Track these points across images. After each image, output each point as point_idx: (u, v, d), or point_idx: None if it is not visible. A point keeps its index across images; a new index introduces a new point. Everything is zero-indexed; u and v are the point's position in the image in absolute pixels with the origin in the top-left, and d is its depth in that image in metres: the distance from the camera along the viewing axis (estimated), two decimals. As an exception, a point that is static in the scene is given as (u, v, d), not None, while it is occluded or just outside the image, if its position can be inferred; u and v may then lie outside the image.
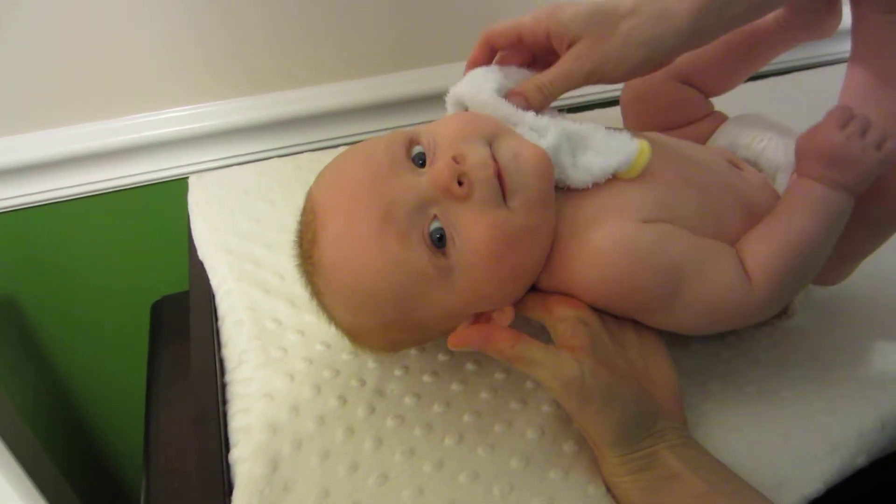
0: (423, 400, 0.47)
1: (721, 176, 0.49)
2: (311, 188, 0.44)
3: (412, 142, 0.42)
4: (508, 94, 0.46)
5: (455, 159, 0.39)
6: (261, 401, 0.46)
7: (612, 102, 0.79)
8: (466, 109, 0.47)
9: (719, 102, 0.60)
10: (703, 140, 0.57)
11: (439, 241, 0.39)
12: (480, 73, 0.47)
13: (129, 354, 0.88)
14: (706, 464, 0.40)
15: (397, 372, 0.49)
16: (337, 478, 0.42)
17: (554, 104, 0.47)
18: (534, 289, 0.44)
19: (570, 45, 0.45)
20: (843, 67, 0.51)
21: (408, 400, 0.47)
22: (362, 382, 0.48)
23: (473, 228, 0.39)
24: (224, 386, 0.51)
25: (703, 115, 0.59)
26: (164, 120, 0.79)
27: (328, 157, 0.76)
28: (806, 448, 0.44)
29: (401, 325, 0.42)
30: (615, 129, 0.45)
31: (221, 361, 0.54)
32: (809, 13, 0.53)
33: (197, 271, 0.63)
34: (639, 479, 0.40)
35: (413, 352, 0.50)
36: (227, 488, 0.43)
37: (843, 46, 0.50)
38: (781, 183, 0.51)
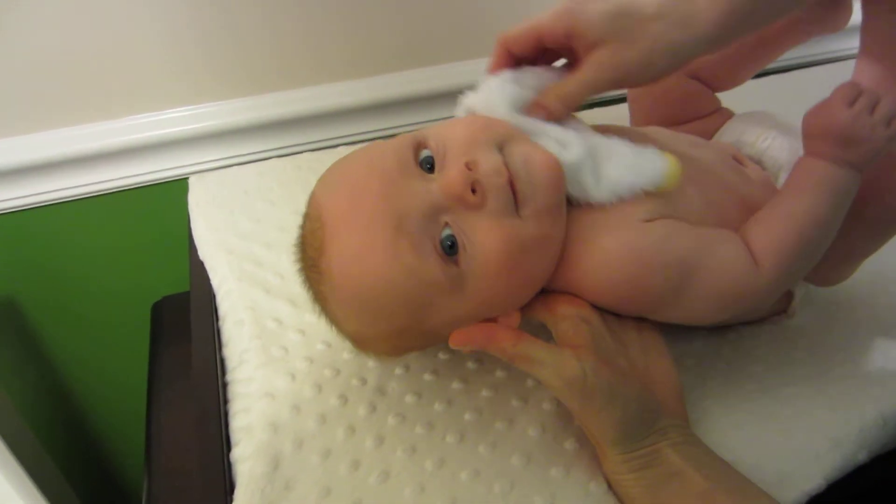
0: (424, 398, 0.47)
1: (723, 173, 0.49)
2: (315, 193, 0.43)
3: (420, 145, 0.42)
4: (528, 107, 0.44)
5: (468, 166, 0.38)
6: (262, 400, 0.46)
7: (611, 101, 0.78)
8: None
9: (725, 99, 0.60)
10: (709, 136, 0.57)
11: (450, 248, 0.39)
12: (495, 85, 0.44)
13: (129, 354, 0.88)
14: (708, 461, 0.40)
15: (398, 371, 0.49)
16: (338, 476, 0.42)
17: None
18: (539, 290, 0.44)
19: (591, 48, 0.42)
20: (848, 65, 0.51)
21: (409, 398, 0.47)
22: (363, 381, 0.48)
23: (486, 238, 0.38)
24: (225, 385, 0.51)
25: (710, 111, 0.58)
26: (164, 120, 0.79)
27: (328, 156, 0.77)
28: (807, 444, 0.44)
29: (409, 333, 0.42)
30: (641, 144, 0.43)
31: (222, 361, 0.54)
32: (821, 7, 0.52)
33: (197, 271, 0.63)
34: (641, 477, 0.40)
35: (414, 351, 0.50)
36: (229, 487, 0.43)
37: (849, 43, 0.51)
38: (784, 181, 0.51)
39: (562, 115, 0.44)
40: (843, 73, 0.53)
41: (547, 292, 0.44)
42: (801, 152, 0.52)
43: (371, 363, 0.49)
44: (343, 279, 0.40)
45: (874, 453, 0.45)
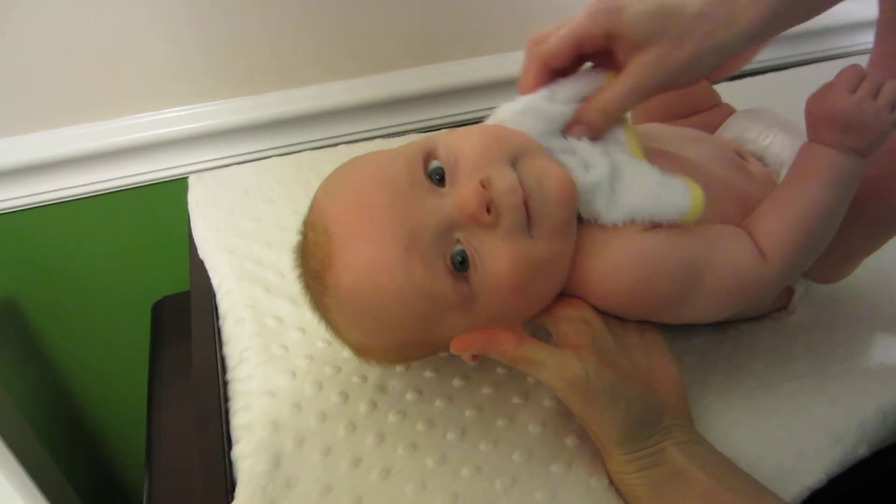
0: (425, 395, 0.47)
1: (724, 169, 0.49)
2: (318, 201, 0.42)
3: (429, 155, 0.40)
4: (568, 128, 0.42)
5: (482, 184, 0.37)
6: (262, 398, 0.46)
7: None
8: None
9: (727, 96, 0.60)
10: (710, 131, 0.57)
11: (461, 263, 0.38)
12: (531, 112, 0.42)
13: (130, 354, 0.88)
14: (712, 460, 0.40)
15: (398, 368, 0.49)
16: (339, 473, 0.42)
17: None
18: None
19: (633, 50, 0.40)
20: (848, 61, 0.51)
21: (409, 396, 0.47)
22: (364, 379, 0.48)
23: (498, 258, 0.38)
24: (226, 384, 0.51)
25: (709, 106, 0.58)
26: (163, 120, 0.79)
27: (328, 155, 0.77)
28: (807, 439, 0.44)
29: (414, 345, 0.42)
30: (670, 173, 0.42)
31: (223, 360, 0.54)
32: None
33: (197, 271, 0.63)
34: (645, 476, 0.39)
35: (414, 348, 0.50)
36: (230, 485, 0.43)
37: (851, 40, 0.50)
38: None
39: (604, 129, 0.42)
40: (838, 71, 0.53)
41: None
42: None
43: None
44: (351, 294, 0.39)
45: (874, 448, 0.45)
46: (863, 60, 0.49)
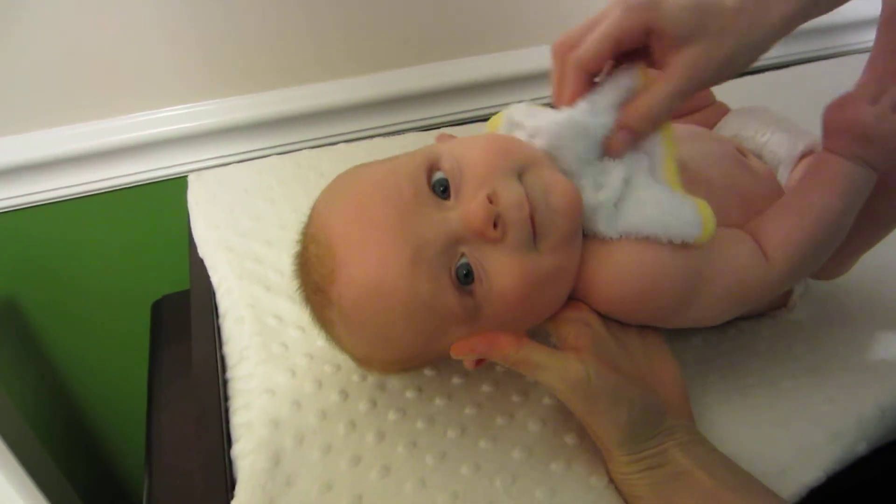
0: (425, 393, 0.47)
1: (726, 167, 0.49)
2: (319, 212, 0.41)
3: (433, 167, 0.40)
4: (609, 141, 0.41)
5: (489, 198, 0.37)
6: (262, 396, 0.46)
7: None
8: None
9: (722, 95, 0.60)
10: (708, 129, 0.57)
11: (466, 276, 0.38)
12: (574, 128, 0.40)
13: (129, 354, 0.89)
14: (714, 460, 0.40)
15: (398, 367, 0.49)
16: (339, 471, 0.42)
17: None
18: None
19: (674, 46, 0.39)
20: (845, 61, 0.50)
21: (409, 394, 0.47)
22: (363, 377, 0.48)
23: (503, 273, 0.38)
24: (225, 383, 0.51)
25: (704, 105, 0.58)
26: (163, 118, 0.79)
27: (327, 154, 0.77)
28: (806, 437, 0.44)
29: (417, 357, 0.42)
30: (680, 193, 0.41)
31: (223, 358, 0.54)
32: None
33: (197, 269, 0.63)
34: (647, 477, 0.39)
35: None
36: (230, 484, 0.43)
37: (845, 40, 0.50)
38: (783, 176, 0.51)
39: (648, 133, 0.41)
40: (840, 69, 0.53)
41: None
42: (799, 147, 0.52)
43: (371, 359, 0.49)
44: (355, 308, 0.39)
45: (873, 445, 0.45)
46: (862, 60, 0.49)
